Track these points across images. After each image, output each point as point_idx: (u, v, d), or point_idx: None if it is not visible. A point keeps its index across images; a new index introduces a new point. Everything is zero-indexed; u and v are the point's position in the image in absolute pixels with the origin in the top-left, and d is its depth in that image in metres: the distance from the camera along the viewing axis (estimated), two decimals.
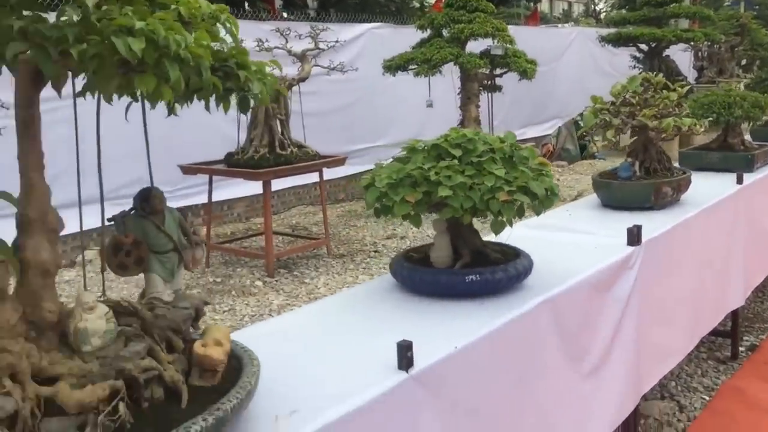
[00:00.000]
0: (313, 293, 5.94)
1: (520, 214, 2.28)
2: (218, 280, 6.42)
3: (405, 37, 9.43)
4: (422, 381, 1.84)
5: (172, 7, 1.35)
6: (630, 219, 3.10)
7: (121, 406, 1.30)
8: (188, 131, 7.45)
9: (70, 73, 1.28)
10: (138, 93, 1.39)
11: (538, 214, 2.35)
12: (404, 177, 2.31)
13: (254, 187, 7.81)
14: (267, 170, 6.15)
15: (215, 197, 7.63)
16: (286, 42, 6.73)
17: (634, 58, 13.81)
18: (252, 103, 1.55)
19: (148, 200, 1.60)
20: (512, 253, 2.48)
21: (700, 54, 14.17)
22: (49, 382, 1.29)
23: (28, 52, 1.20)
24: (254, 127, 6.58)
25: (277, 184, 8.55)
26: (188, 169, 6.56)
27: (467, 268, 2.35)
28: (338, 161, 6.85)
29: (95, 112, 1.50)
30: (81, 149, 1.55)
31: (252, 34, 7.06)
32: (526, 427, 2.26)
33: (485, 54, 8.75)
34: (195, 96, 1.45)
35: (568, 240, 2.99)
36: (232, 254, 7.01)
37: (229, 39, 1.50)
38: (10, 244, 1.32)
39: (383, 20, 11.42)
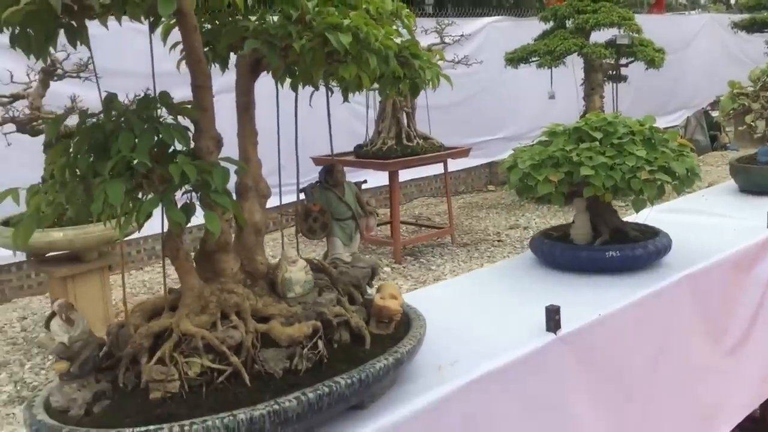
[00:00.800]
0: (440, 279, 6.15)
1: (661, 193, 2.38)
2: None
3: (525, 30, 9.46)
4: (569, 343, 2.00)
5: (363, 6, 1.58)
6: None
7: (320, 343, 1.55)
8: (318, 126, 7.84)
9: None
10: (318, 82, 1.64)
11: (679, 193, 2.44)
12: (546, 158, 2.46)
13: (380, 179, 8.10)
14: (395, 160, 6.41)
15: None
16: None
17: None
18: (420, 89, 1.76)
19: (331, 174, 1.85)
20: (651, 232, 2.58)
21: None
22: (263, 321, 1.55)
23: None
24: (382, 119, 6.86)
25: (400, 176, 8.83)
26: (320, 161, 6.92)
27: (606, 245, 2.48)
28: (463, 152, 7.02)
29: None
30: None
31: None
32: (665, 397, 2.36)
33: (610, 44, 8.65)
34: (376, 83, 1.68)
35: (705, 222, 3.04)
36: (361, 241, 7.33)
37: (405, 32, 1.72)
38: None
39: (500, 14, 11.47)
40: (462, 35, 7.39)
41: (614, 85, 9.20)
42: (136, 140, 1.33)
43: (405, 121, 6.85)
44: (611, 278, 2.40)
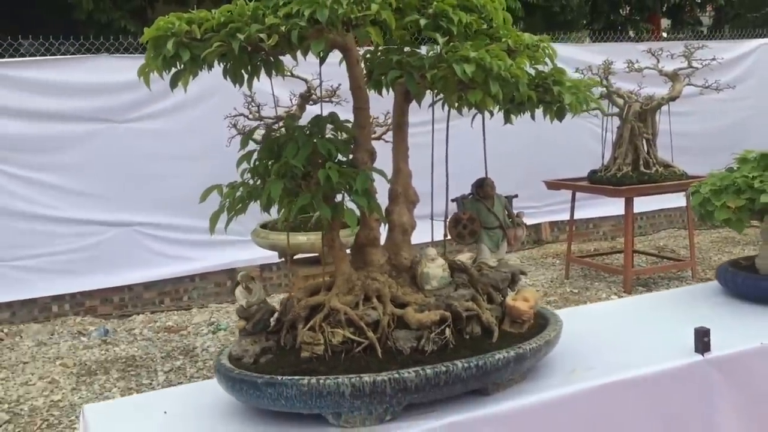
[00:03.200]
0: None
1: None
2: (575, 290, 6.72)
3: None
4: (719, 366, 1.98)
5: (503, 40, 1.79)
6: None
7: (447, 331, 1.78)
8: (555, 149, 7.91)
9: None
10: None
11: None
12: (729, 184, 2.42)
13: (620, 207, 7.93)
14: (628, 188, 6.28)
15: (581, 215, 7.93)
16: (658, 62, 6.76)
17: None
18: (565, 113, 1.91)
19: (482, 186, 2.07)
20: None
21: None
22: (400, 307, 1.82)
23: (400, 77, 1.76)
24: (619, 145, 6.74)
25: (646, 205, 8.51)
26: (552, 185, 7.00)
27: None
28: None
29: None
30: None
31: (626, 55, 7.23)
32: None
33: None
34: (519, 107, 1.88)
35: None
36: (591, 268, 7.24)
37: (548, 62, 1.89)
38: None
39: None
40: (714, 59, 6.97)
41: None
42: (298, 150, 1.69)
43: (644, 147, 6.66)
44: None
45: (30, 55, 6.55)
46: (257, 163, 1.76)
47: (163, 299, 6.82)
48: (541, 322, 1.97)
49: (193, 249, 6.89)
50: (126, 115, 6.51)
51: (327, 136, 1.79)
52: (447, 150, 1.95)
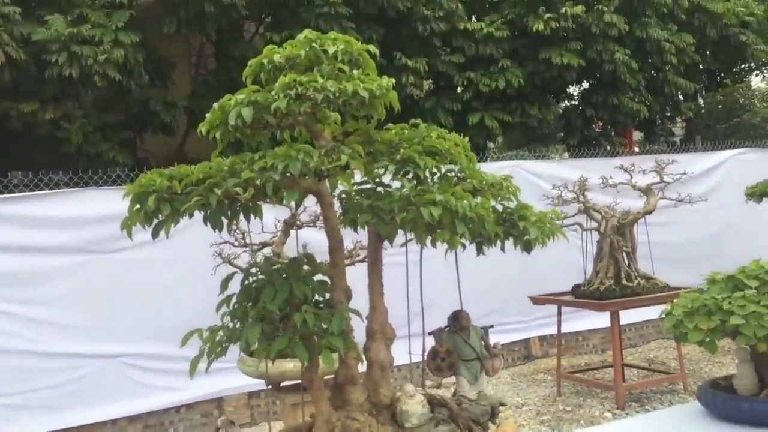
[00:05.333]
0: None
1: None
2: (568, 408, 6.62)
3: None
4: None
5: (468, 180, 1.90)
6: None
7: None
8: (540, 263, 8.00)
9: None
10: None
11: None
12: (700, 306, 2.48)
13: (600, 320, 7.94)
14: (611, 301, 6.33)
15: (569, 328, 7.92)
16: (631, 177, 6.99)
17: None
18: (532, 245, 2.00)
19: (457, 319, 2.11)
20: None
21: None
22: None
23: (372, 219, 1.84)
24: (600, 259, 6.85)
25: (633, 317, 8.53)
26: (537, 300, 7.04)
27: None
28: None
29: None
30: None
31: (601, 170, 7.47)
32: None
33: None
34: (489, 241, 1.96)
35: None
36: (583, 384, 7.16)
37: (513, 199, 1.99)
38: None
39: (756, 143, 10.90)
40: (684, 173, 7.22)
41: None
42: (276, 294, 1.74)
43: (625, 260, 6.77)
44: None
45: (20, 189, 6.69)
46: (236, 306, 1.80)
47: None
48: None
49: (179, 379, 6.76)
50: (112, 246, 6.56)
51: (303, 276, 1.85)
52: (421, 287, 2.01)
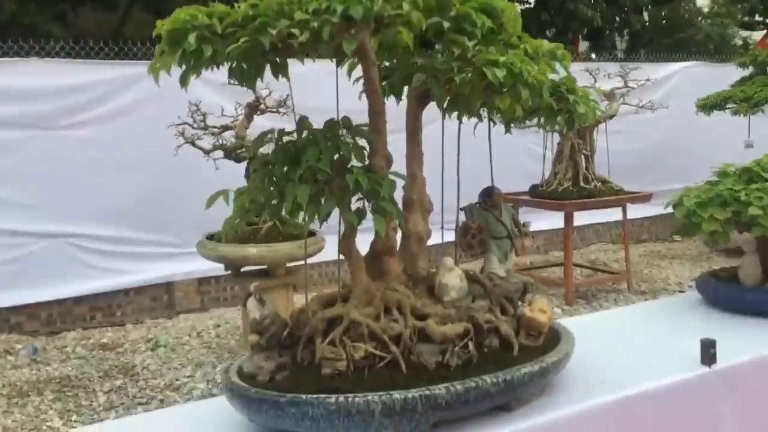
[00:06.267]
0: None
1: None
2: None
3: (721, 76, 9.05)
4: (724, 377, 2.00)
5: (521, 46, 1.76)
6: None
7: (470, 344, 1.71)
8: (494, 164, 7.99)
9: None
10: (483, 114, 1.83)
11: None
12: (713, 197, 2.46)
13: (555, 221, 8.07)
14: (570, 202, 6.41)
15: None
16: (595, 81, 6.97)
17: None
18: (578, 122, 1.90)
19: (490, 195, 2.02)
20: None
21: None
22: (420, 319, 1.74)
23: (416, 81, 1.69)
24: (559, 161, 6.89)
25: (578, 220, 8.72)
26: None
27: None
28: (643, 198, 6.85)
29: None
30: None
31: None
32: None
33: None
34: (531, 115, 1.85)
35: None
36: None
37: (562, 70, 1.87)
38: None
39: (699, 59, 11.03)
40: (648, 80, 7.25)
41: None
42: (321, 154, 1.60)
43: (583, 163, 6.83)
44: None
45: None
46: (272, 168, 1.65)
47: (94, 315, 6.47)
48: (551, 335, 1.94)
49: (128, 262, 6.59)
50: (59, 122, 6.17)
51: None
52: (458, 161, 1.90)
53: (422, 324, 1.72)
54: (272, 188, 1.64)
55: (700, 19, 19.08)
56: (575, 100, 1.82)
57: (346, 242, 1.73)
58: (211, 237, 5.38)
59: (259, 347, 1.68)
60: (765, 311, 2.40)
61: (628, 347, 2.19)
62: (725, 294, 2.49)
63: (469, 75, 1.61)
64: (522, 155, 8.34)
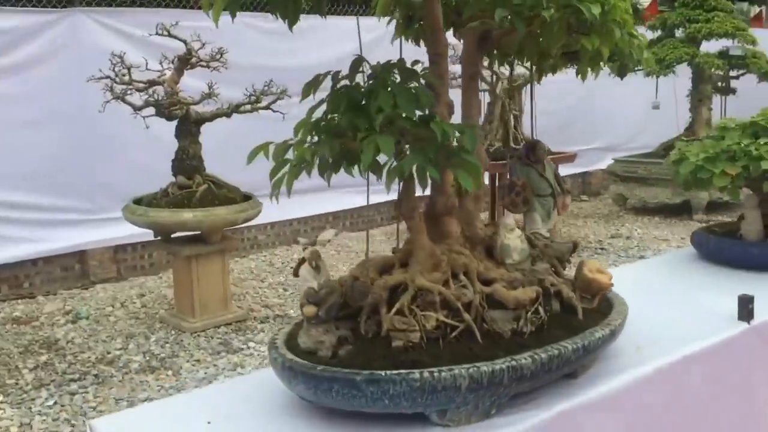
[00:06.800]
0: None
1: None
2: None
3: None
4: (760, 332, 1.98)
5: None
6: None
7: (540, 309, 1.58)
8: None
9: None
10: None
11: None
12: (721, 152, 2.44)
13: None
14: (504, 162, 6.41)
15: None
16: None
17: None
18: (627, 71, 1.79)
19: (534, 150, 1.89)
20: None
21: None
22: (485, 284, 1.59)
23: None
24: (489, 121, 6.86)
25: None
26: None
27: None
28: (569, 158, 6.95)
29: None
30: None
31: None
32: None
33: (723, 54, 8.42)
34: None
35: None
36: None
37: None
38: None
39: None
40: None
41: (722, 97, 8.94)
42: (395, 99, 1.40)
43: (512, 123, 6.83)
44: None
45: None
46: (330, 118, 1.44)
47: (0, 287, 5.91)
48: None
49: (36, 229, 6.02)
50: None
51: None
52: (533, 111, 1.74)
53: (490, 289, 1.57)
54: (332, 140, 1.43)
55: None
56: (639, 45, 1.70)
57: (411, 202, 1.54)
58: (138, 201, 4.99)
59: (318, 319, 1.48)
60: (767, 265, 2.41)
61: (654, 307, 2.14)
62: (729, 250, 2.48)
63: (557, 11, 1.45)
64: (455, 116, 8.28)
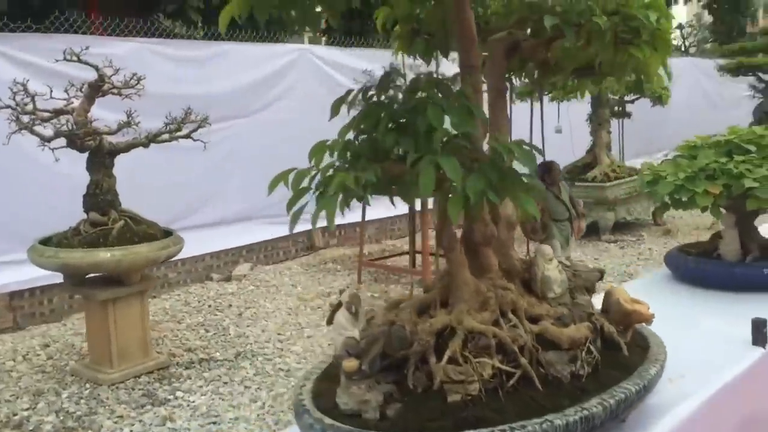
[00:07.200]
0: None
1: None
2: (376, 294, 6.58)
3: None
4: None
5: None
6: None
7: (592, 347, 1.43)
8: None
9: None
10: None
11: None
12: (699, 171, 2.40)
13: (382, 212, 8.00)
14: None
15: (348, 219, 7.74)
16: None
17: (753, 87, 13.53)
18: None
19: (549, 171, 1.75)
20: None
21: None
22: (532, 321, 1.43)
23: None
24: None
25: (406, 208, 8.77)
26: None
27: (759, 262, 2.42)
28: None
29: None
30: None
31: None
32: None
33: (619, 79, 8.78)
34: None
35: None
36: (379, 271, 7.16)
37: None
38: None
39: None
40: None
41: (619, 120, 9.31)
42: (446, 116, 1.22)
43: None
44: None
45: None
46: (368, 138, 1.24)
47: None
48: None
49: None
50: None
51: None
52: (543, 129, 1.60)
53: (538, 328, 1.41)
54: (371, 163, 1.23)
55: None
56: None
57: (450, 233, 1.36)
58: (45, 242, 4.51)
59: (360, 374, 1.26)
60: (749, 286, 2.38)
61: (661, 333, 2.04)
62: (711, 271, 2.44)
63: (608, 21, 1.33)
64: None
